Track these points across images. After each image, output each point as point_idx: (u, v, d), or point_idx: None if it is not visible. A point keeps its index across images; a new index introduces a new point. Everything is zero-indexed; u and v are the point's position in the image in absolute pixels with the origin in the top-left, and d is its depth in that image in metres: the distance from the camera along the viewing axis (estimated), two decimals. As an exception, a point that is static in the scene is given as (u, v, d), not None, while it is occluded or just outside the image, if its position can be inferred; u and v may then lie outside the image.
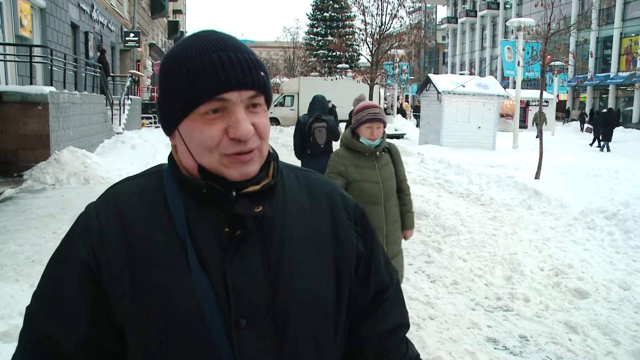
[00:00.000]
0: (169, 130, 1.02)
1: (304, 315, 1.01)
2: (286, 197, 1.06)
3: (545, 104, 22.62)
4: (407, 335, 1.22)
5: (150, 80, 34.18)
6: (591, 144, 22.71)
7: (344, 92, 31.73)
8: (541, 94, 12.78)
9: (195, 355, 0.95)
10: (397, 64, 30.92)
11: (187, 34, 1.03)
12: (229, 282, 0.96)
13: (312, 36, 48.08)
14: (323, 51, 45.82)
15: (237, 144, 0.95)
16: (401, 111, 34.80)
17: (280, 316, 0.99)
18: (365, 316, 1.13)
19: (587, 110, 38.96)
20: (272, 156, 1.06)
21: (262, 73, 0.98)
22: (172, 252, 0.97)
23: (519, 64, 17.42)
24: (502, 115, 25.12)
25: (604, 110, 30.36)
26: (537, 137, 23.39)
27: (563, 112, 42.04)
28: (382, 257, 1.17)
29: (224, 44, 0.97)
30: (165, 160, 1.08)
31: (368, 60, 29.86)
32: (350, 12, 43.29)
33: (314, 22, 47.53)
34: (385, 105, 39.73)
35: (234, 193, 0.98)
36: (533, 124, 23.78)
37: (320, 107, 7.30)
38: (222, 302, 0.95)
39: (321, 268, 1.05)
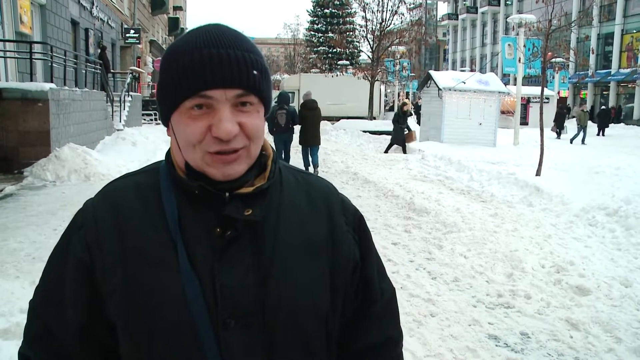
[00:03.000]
0: (164, 122, 1.03)
1: (294, 319, 1.00)
2: (283, 199, 1.05)
3: (546, 100, 22.56)
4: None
5: (150, 77, 34.14)
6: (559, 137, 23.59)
7: (344, 89, 31.75)
8: (542, 90, 12.75)
9: (182, 354, 0.95)
10: (397, 61, 30.91)
11: (187, 30, 1.03)
12: (217, 283, 0.95)
13: (312, 33, 47.97)
14: (323, 48, 45.74)
15: (219, 142, 0.94)
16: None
17: (270, 319, 0.98)
18: (351, 326, 1.12)
19: (588, 107, 38.89)
20: (271, 158, 1.05)
21: (255, 72, 0.96)
22: (163, 251, 0.97)
23: (519, 61, 17.39)
24: (503, 112, 25.09)
25: (603, 107, 30.33)
26: (575, 139, 22.43)
27: (565, 109, 41.98)
28: (376, 268, 1.15)
29: (220, 40, 0.95)
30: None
31: (369, 56, 29.88)
32: (351, 8, 43.20)
33: (315, 18, 47.42)
34: (386, 100, 39.68)
35: (227, 194, 0.98)
36: (578, 125, 23.26)
37: (285, 99, 11.49)
38: (210, 303, 0.95)
39: (315, 272, 1.03)
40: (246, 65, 0.95)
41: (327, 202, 1.10)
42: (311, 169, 11.79)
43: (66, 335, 1.00)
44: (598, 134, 27.28)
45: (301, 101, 12.62)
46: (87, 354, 1.01)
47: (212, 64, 0.93)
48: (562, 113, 25.74)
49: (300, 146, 12.39)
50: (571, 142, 22.24)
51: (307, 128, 11.87)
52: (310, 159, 12.13)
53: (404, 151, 16.81)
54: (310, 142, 11.96)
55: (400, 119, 17.16)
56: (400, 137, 17.09)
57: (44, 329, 1.01)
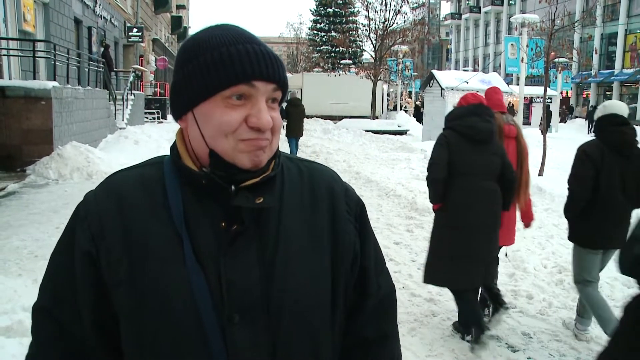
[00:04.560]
0: (182, 113, 1.01)
1: (299, 311, 1.00)
2: (285, 190, 1.06)
3: (549, 100, 22.49)
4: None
5: (153, 75, 34.17)
6: None
7: (347, 88, 31.74)
8: (545, 90, 12.74)
9: (188, 348, 0.95)
10: (400, 60, 30.87)
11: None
12: (223, 277, 0.96)
13: (315, 32, 47.87)
14: (326, 47, 45.65)
15: (254, 132, 0.96)
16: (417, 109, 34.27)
17: (275, 312, 0.98)
18: (348, 319, 1.12)
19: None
20: (276, 152, 1.06)
21: (284, 71, 1.01)
22: (168, 244, 0.97)
23: (522, 61, 17.35)
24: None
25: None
26: None
27: (567, 109, 41.93)
28: (374, 260, 1.15)
29: (254, 38, 1.00)
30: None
31: (371, 56, 29.84)
32: (354, 7, 43.18)
33: (318, 17, 47.33)
34: (389, 100, 39.64)
35: (232, 187, 0.98)
36: None
37: None
38: (216, 297, 0.95)
39: (318, 263, 1.04)
40: (280, 64, 1.00)
41: (331, 190, 1.10)
42: None
43: (84, 332, 0.99)
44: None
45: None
46: (105, 347, 1.01)
47: (258, 58, 0.96)
48: (550, 112, 25.22)
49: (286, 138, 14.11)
50: None
51: (291, 122, 13.64)
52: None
53: None
54: (294, 134, 13.84)
55: None
56: None
57: (59, 329, 1.00)
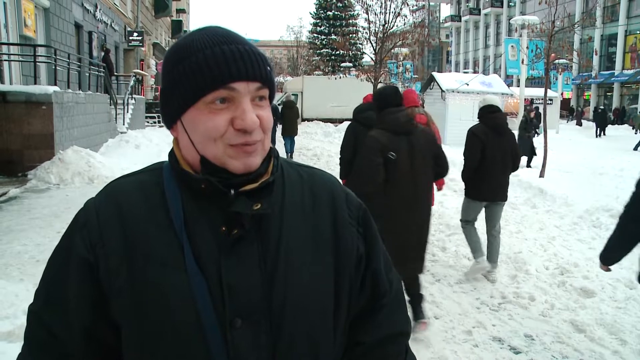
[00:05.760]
0: (172, 122, 1.02)
1: (301, 315, 1.00)
2: (285, 195, 1.05)
3: (549, 102, 22.45)
4: (412, 336, 1.21)
5: (153, 79, 34.20)
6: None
7: (347, 91, 31.74)
8: (545, 92, 12.74)
9: (189, 353, 0.95)
10: (400, 63, 30.86)
11: (189, 32, 1.05)
12: (224, 282, 0.95)
13: (315, 35, 47.89)
14: (326, 50, 45.67)
15: (242, 135, 0.95)
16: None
17: (276, 316, 0.98)
18: (361, 320, 1.12)
19: (592, 108, 38.72)
20: (273, 153, 1.06)
21: (267, 67, 0.99)
22: (168, 250, 0.97)
23: (523, 62, 17.36)
24: (506, 114, 24.92)
25: (601, 107, 29.91)
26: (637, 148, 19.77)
27: (567, 111, 41.93)
28: (383, 261, 1.15)
29: (232, 37, 0.98)
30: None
31: (372, 58, 29.81)
32: (354, 10, 43.18)
33: (318, 21, 47.34)
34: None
35: (232, 191, 0.97)
36: (635, 131, 20.02)
37: None
38: (217, 301, 0.95)
39: (319, 268, 1.03)
40: (262, 61, 0.98)
41: (331, 196, 1.10)
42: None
43: (71, 338, 0.98)
44: (599, 135, 27.18)
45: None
46: (92, 356, 1.00)
47: (235, 58, 0.95)
48: (539, 114, 20.63)
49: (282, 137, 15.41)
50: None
51: (287, 123, 14.92)
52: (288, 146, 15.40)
53: (529, 164, 13.46)
54: (289, 133, 15.13)
55: (528, 127, 14.02)
56: (528, 148, 13.56)
57: (47, 333, 0.99)
